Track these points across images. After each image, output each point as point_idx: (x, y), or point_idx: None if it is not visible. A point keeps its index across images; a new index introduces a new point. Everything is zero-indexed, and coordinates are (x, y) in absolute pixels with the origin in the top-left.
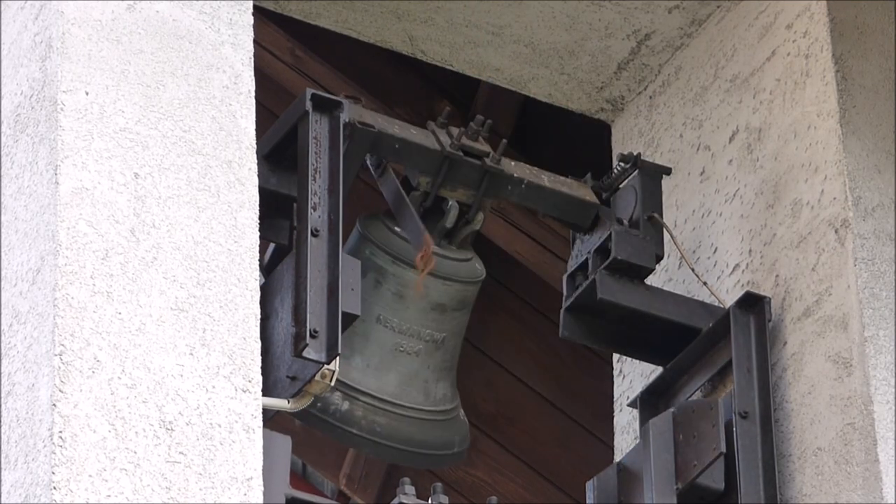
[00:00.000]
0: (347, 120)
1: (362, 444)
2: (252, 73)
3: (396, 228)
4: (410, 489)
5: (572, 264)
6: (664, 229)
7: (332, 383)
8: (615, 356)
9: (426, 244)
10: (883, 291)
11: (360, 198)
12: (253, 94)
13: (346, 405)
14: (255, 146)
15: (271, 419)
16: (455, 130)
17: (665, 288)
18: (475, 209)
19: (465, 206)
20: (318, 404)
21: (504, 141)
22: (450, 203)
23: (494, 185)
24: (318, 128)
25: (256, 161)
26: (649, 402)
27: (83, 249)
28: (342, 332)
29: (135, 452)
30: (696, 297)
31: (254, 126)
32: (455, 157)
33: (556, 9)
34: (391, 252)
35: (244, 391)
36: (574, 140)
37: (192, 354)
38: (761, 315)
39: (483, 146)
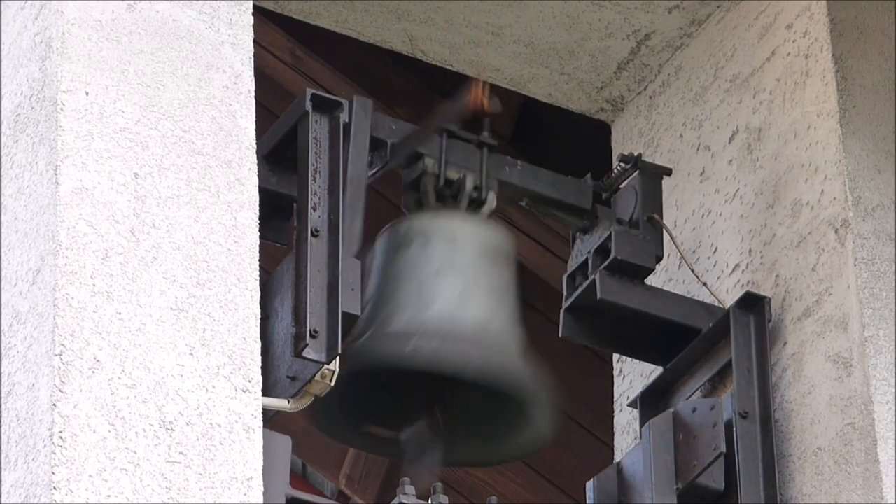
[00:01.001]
0: (348, 120)
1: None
2: (252, 73)
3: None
4: (410, 489)
5: (572, 264)
6: (664, 229)
7: (332, 383)
8: (615, 356)
9: (473, 86)
10: (883, 291)
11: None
12: (253, 94)
13: (434, 344)
14: (255, 146)
15: (271, 419)
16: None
17: (665, 288)
18: (485, 189)
19: (475, 188)
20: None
21: (487, 119)
22: (461, 176)
23: (495, 164)
24: (318, 128)
25: (256, 161)
26: (649, 402)
27: (83, 249)
28: (342, 332)
29: (135, 452)
30: (696, 297)
31: (254, 126)
32: (450, 129)
33: (556, 9)
34: (429, 215)
35: (244, 391)
36: (574, 140)
37: (192, 354)
38: (761, 315)
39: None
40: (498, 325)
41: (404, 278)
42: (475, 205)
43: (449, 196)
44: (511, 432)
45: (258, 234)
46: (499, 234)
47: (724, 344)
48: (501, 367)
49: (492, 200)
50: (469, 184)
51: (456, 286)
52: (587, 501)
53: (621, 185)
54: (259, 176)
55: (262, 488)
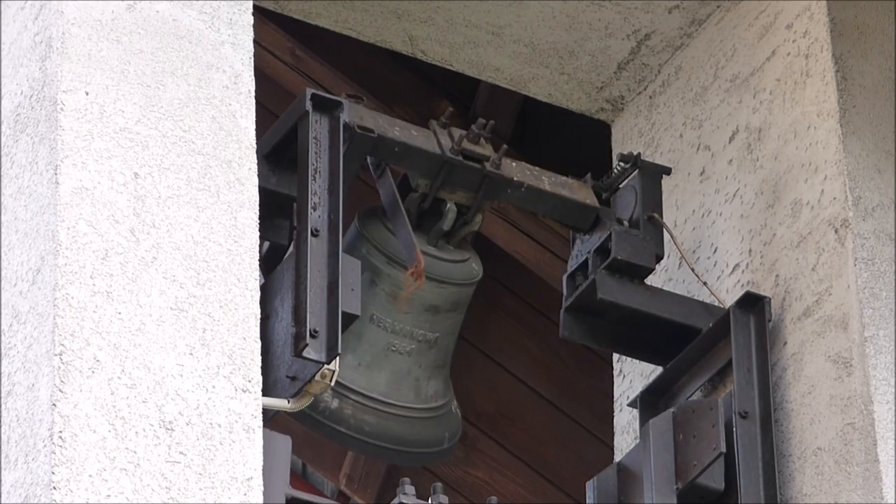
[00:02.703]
0: (347, 121)
1: (351, 443)
2: (252, 73)
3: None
4: (410, 489)
5: (572, 264)
6: (664, 229)
7: (332, 383)
8: (615, 356)
9: (417, 261)
10: (883, 291)
11: (360, 197)
12: (253, 94)
13: (335, 403)
14: (255, 146)
15: (271, 419)
16: (457, 133)
17: (665, 288)
18: (474, 211)
19: (463, 207)
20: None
21: (505, 146)
22: (448, 206)
23: (494, 189)
24: (318, 128)
25: (256, 161)
26: (649, 402)
27: (83, 249)
28: (342, 332)
29: (135, 452)
30: (696, 297)
31: (254, 126)
32: (455, 161)
33: (556, 9)
34: (387, 253)
35: (244, 391)
36: (574, 140)
37: (192, 354)
38: (761, 315)
39: (484, 149)
40: (407, 385)
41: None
42: (459, 223)
43: (433, 213)
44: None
45: (258, 234)
46: (450, 285)
47: (724, 344)
48: (399, 436)
49: (477, 223)
50: (449, 221)
51: (380, 341)
52: (587, 501)
53: (621, 185)
54: (259, 176)
55: (262, 488)
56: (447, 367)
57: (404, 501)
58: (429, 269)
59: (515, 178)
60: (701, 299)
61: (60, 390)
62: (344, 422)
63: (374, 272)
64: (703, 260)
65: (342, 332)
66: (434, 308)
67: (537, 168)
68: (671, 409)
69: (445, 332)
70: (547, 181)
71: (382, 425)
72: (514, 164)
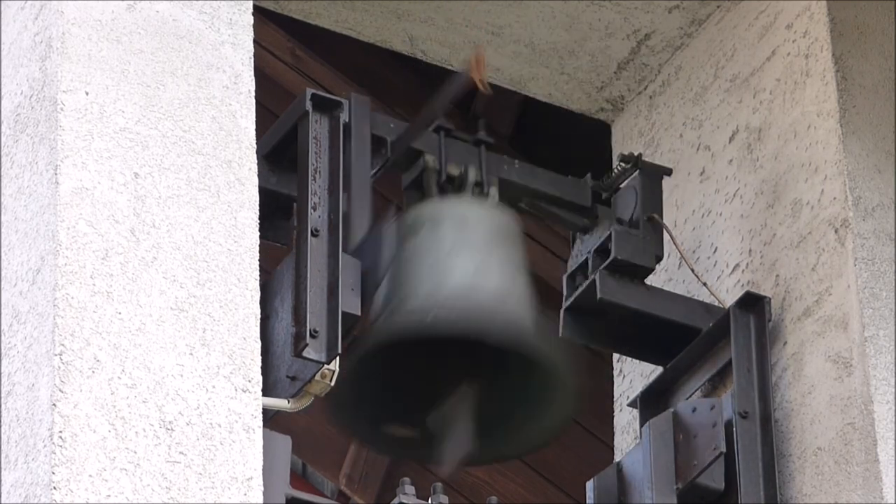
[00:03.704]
0: (348, 120)
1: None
2: (252, 73)
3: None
4: (410, 489)
5: (572, 264)
6: (664, 229)
7: (332, 383)
8: (615, 356)
9: (472, 57)
10: (883, 291)
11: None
12: (253, 94)
13: (454, 313)
14: (255, 146)
15: (271, 419)
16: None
17: (665, 288)
18: (486, 185)
19: (476, 184)
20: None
21: (482, 120)
22: (463, 169)
23: (494, 162)
24: (318, 128)
25: (256, 161)
26: (649, 402)
27: (83, 249)
28: (342, 332)
29: (135, 452)
30: (696, 297)
31: (254, 126)
32: (446, 128)
33: (556, 9)
34: (436, 201)
35: (244, 391)
36: (574, 140)
37: (192, 354)
38: (761, 315)
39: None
40: (516, 295)
41: (417, 260)
42: (479, 197)
43: (452, 191)
44: (532, 416)
45: (258, 234)
46: (506, 216)
47: (724, 344)
48: (524, 333)
49: (494, 194)
50: (471, 177)
51: (470, 261)
52: (587, 501)
53: (621, 185)
54: (259, 176)
55: (262, 488)
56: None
57: (404, 501)
58: (476, 201)
59: (506, 156)
60: (701, 299)
61: (60, 390)
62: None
63: (432, 221)
64: (703, 260)
65: (342, 333)
66: (499, 230)
67: (537, 168)
68: (671, 409)
69: (520, 263)
70: (547, 181)
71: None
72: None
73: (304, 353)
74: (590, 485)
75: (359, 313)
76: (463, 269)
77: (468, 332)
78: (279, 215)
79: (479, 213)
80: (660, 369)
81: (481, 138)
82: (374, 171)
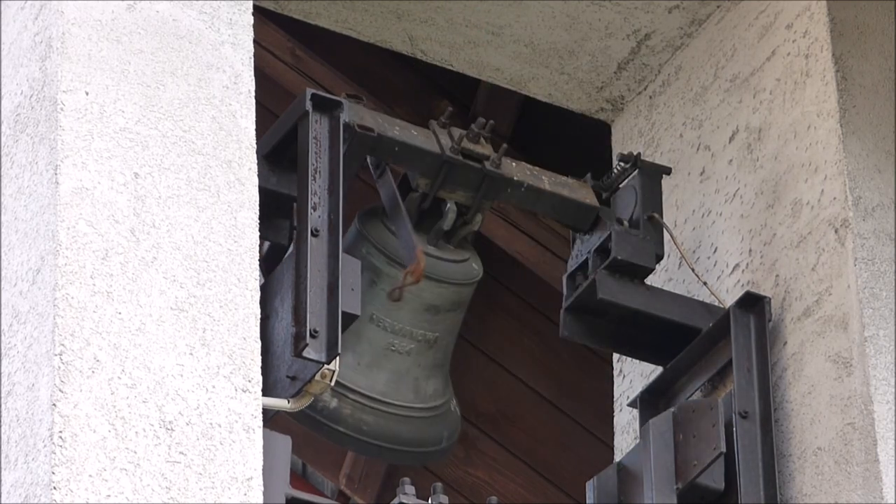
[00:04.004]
0: (347, 121)
1: (349, 442)
2: (252, 73)
3: (388, 245)
4: (410, 489)
5: (572, 264)
6: (664, 229)
7: (332, 383)
8: (615, 356)
9: (418, 260)
10: (883, 291)
11: (360, 197)
12: (253, 94)
13: (334, 402)
14: (255, 146)
15: (271, 419)
16: (457, 132)
17: (665, 288)
18: (474, 211)
19: (463, 207)
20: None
21: (505, 146)
22: (448, 205)
23: (494, 188)
24: (318, 128)
25: (256, 161)
26: (649, 402)
27: (83, 249)
28: (342, 332)
29: (135, 452)
30: (696, 297)
31: (254, 126)
32: (454, 160)
33: (556, 9)
34: (387, 252)
35: (244, 391)
36: (574, 140)
37: (192, 354)
38: (761, 315)
39: (484, 149)
40: (406, 385)
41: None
42: (459, 223)
43: (429, 212)
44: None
45: (258, 234)
46: (450, 285)
47: (724, 344)
48: (399, 435)
49: (477, 223)
50: (449, 220)
51: (380, 341)
52: (587, 501)
53: (621, 185)
54: (259, 176)
55: (262, 488)
56: (447, 367)
57: (404, 501)
58: (429, 269)
59: (515, 178)
60: (701, 299)
61: (60, 390)
62: (342, 421)
63: (374, 272)
64: (703, 260)
65: (342, 332)
66: (434, 308)
67: (537, 168)
68: (671, 409)
69: (445, 331)
70: (547, 181)
71: (381, 424)
72: (514, 163)
73: (304, 353)
74: (590, 485)
75: (359, 313)
76: (369, 345)
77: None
78: (279, 215)
79: (419, 288)
80: (660, 369)
81: (488, 171)
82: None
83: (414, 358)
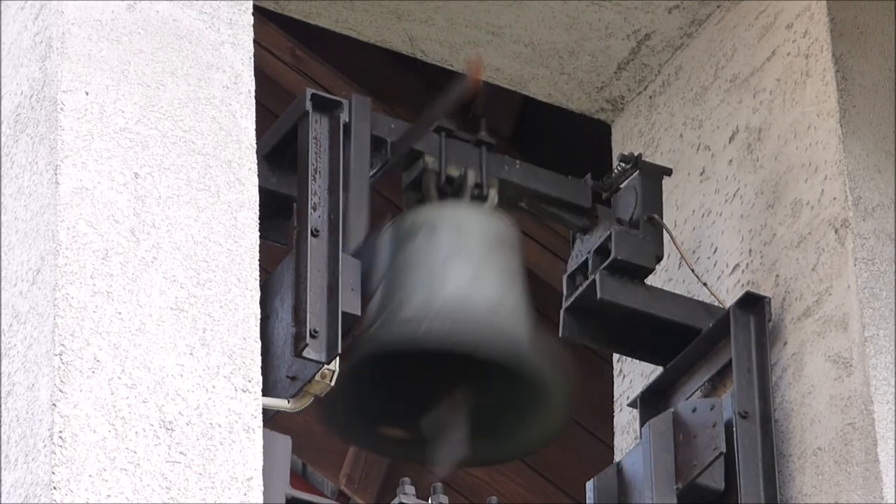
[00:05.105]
0: (348, 120)
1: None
2: (252, 73)
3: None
4: (410, 489)
5: (572, 264)
6: (664, 229)
7: (332, 383)
8: (615, 356)
9: (472, 62)
10: (883, 291)
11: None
12: (253, 94)
13: (447, 325)
14: (255, 146)
15: (271, 419)
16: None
17: (665, 288)
18: (486, 186)
19: (476, 186)
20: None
21: (483, 119)
22: (462, 171)
23: (494, 163)
24: (318, 128)
25: (256, 161)
26: (649, 402)
27: (83, 249)
28: (342, 332)
29: (135, 452)
30: (696, 297)
31: (254, 126)
32: (448, 129)
33: (556, 9)
34: (434, 206)
35: (244, 391)
36: (574, 140)
37: (192, 354)
38: (761, 315)
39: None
40: (510, 306)
41: (412, 267)
42: (477, 201)
43: (450, 193)
44: (524, 422)
45: (258, 234)
46: (504, 222)
47: (724, 344)
48: (516, 346)
49: (493, 197)
50: (471, 179)
51: (465, 270)
52: (587, 501)
53: (621, 185)
54: (259, 176)
55: (262, 488)
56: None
57: (404, 501)
58: (474, 207)
59: (508, 157)
60: (701, 299)
61: (60, 390)
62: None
63: (429, 226)
64: (703, 260)
65: (342, 333)
66: (495, 237)
67: (538, 168)
68: (671, 409)
69: (516, 271)
70: (547, 182)
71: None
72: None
73: (304, 353)
74: (590, 485)
75: (359, 313)
76: (457, 278)
77: (458, 346)
78: (279, 215)
79: (476, 220)
80: (660, 369)
81: (482, 139)
82: (374, 171)
83: (503, 284)
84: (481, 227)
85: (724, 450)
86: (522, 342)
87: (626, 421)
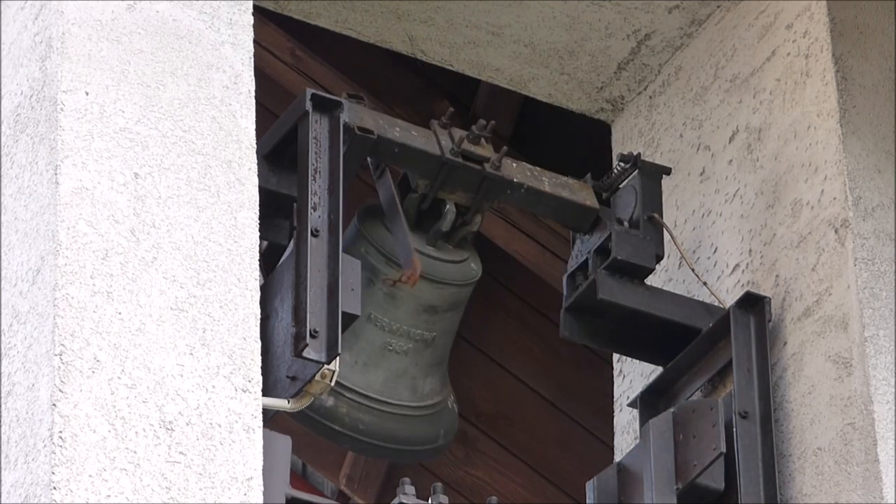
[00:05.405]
0: (347, 121)
1: (346, 441)
2: (252, 73)
3: (385, 243)
4: (410, 489)
5: (572, 264)
6: (664, 229)
7: (332, 383)
8: (615, 356)
9: (414, 265)
10: (883, 291)
11: (359, 197)
12: (253, 94)
13: (331, 401)
14: (255, 146)
15: (271, 419)
16: (457, 133)
17: (665, 288)
18: (473, 211)
19: (463, 208)
20: None
21: (505, 148)
22: (447, 206)
23: (493, 189)
24: (318, 128)
25: (256, 161)
26: (649, 402)
27: (83, 249)
28: (342, 332)
29: (135, 452)
30: (696, 297)
31: (254, 126)
32: (454, 162)
33: (556, 9)
34: (385, 252)
35: (244, 391)
36: (574, 140)
37: (192, 354)
38: (761, 315)
39: (484, 150)
40: (404, 384)
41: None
42: (458, 223)
43: (429, 217)
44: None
45: (258, 234)
46: (448, 286)
47: (724, 344)
48: (394, 434)
49: (476, 223)
50: (447, 222)
51: (376, 340)
52: (587, 501)
53: (621, 185)
54: (259, 176)
55: (262, 488)
56: (445, 365)
57: (404, 501)
58: (427, 270)
59: (515, 179)
60: (701, 299)
61: (60, 390)
62: (339, 420)
63: (371, 272)
64: (703, 260)
65: (342, 333)
66: (432, 308)
67: (537, 168)
68: (671, 409)
69: (443, 331)
70: (547, 181)
71: (377, 423)
72: (514, 164)
73: (304, 353)
74: (590, 485)
75: (359, 313)
76: (367, 343)
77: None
78: (279, 215)
79: (418, 288)
80: (660, 369)
81: (488, 172)
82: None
83: (411, 357)
84: (418, 297)
85: (724, 450)
86: (401, 427)
87: (626, 421)
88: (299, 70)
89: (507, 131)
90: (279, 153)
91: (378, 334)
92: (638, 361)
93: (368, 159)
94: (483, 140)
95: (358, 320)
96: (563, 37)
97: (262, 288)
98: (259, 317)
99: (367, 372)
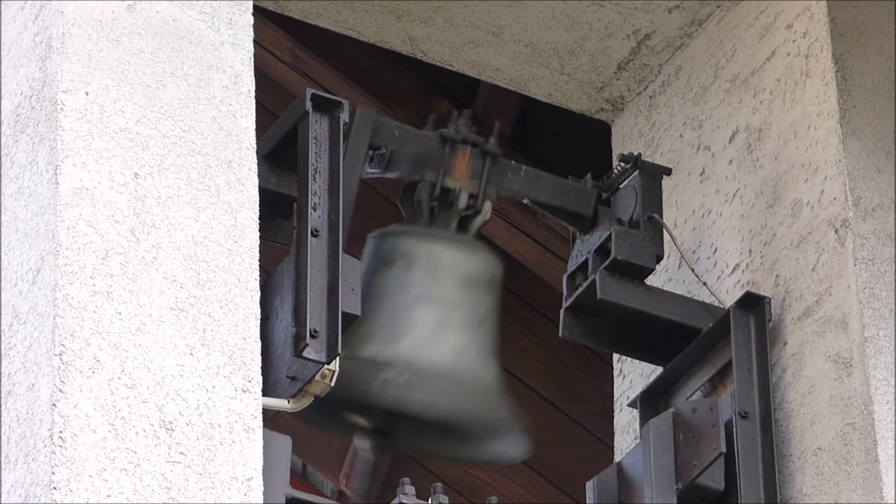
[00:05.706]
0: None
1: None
2: (252, 73)
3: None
4: (410, 489)
5: (572, 264)
6: (664, 229)
7: (332, 383)
8: (615, 356)
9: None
10: (883, 291)
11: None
12: (253, 94)
13: (402, 379)
14: (255, 146)
15: (271, 419)
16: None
17: (665, 288)
18: (482, 198)
19: (471, 196)
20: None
21: (497, 123)
22: (457, 189)
23: (497, 173)
24: (318, 128)
25: (256, 161)
26: (649, 402)
27: (83, 249)
28: (342, 332)
29: (135, 452)
30: (696, 297)
31: (254, 126)
32: (454, 137)
33: (556, 9)
34: (415, 234)
35: (244, 391)
36: (574, 140)
37: (192, 354)
38: (761, 315)
39: (477, 138)
40: (470, 359)
41: (381, 301)
42: (470, 213)
43: (443, 206)
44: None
45: (258, 234)
46: (482, 260)
47: (724, 344)
48: (467, 409)
49: (487, 211)
50: (463, 200)
51: (431, 317)
52: (587, 501)
53: (621, 185)
54: (259, 176)
55: (262, 488)
56: (499, 358)
57: (404, 501)
58: (453, 242)
59: (514, 162)
60: (701, 299)
61: (60, 390)
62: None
63: (406, 257)
64: (703, 260)
65: (342, 333)
66: (472, 281)
67: (537, 169)
68: (671, 409)
69: (488, 312)
70: (550, 192)
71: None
72: (512, 161)
73: (304, 353)
74: (590, 485)
75: (359, 313)
76: (422, 325)
77: (409, 409)
78: (279, 215)
79: (454, 259)
80: (660, 369)
81: (489, 150)
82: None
83: (469, 334)
84: (457, 268)
85: (724, 450)
86: (474, 406)
87: (626, 421)
88: (299, 70)
89: (507, 131)
90: (279, 153)
91: (431, 311)
92: (638, 361)
93: (370, 153)
94: (477, 125)
95: (408, 304)
96: (563, 37)
97: (262, 288)
98: (259, 317)
99: (429, 349)
